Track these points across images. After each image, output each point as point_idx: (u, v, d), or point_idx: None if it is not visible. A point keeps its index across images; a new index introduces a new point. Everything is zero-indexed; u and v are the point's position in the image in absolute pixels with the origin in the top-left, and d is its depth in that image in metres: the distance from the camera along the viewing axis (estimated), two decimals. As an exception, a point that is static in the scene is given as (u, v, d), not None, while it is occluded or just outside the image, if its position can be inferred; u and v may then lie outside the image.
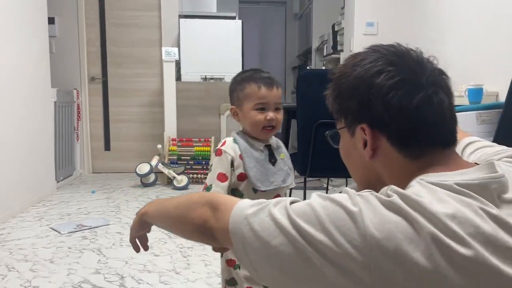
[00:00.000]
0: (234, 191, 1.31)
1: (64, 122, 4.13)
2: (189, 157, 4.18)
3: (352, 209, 0.56)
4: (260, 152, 1.30)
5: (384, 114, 0.65)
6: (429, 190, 0.58)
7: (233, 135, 1.34)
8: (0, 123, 2.88)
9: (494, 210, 0.55)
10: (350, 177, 0.80)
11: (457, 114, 2.13)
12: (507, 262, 0.53)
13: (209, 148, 4.18)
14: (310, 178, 3.17)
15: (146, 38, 4.70)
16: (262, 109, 1.27)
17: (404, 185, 0.62)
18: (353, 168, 0.75)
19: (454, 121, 0.69)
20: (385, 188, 0.60)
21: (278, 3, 7.58)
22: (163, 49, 4.20)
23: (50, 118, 3.74)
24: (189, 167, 4.16)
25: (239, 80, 1.33)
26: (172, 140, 4.21)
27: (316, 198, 0.60)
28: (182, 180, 3.96)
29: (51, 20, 4.01)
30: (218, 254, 2.32)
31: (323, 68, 5.37)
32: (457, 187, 0.58)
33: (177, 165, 4.09)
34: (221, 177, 1.27)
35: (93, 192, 3.80)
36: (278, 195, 1.34)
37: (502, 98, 2.35)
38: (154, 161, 4.02)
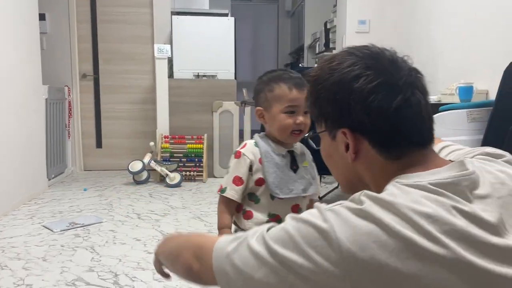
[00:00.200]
0: (251, 196, 1.28)
1: (55, 119, 4.11)
2: (181, 155, 4.18)
3: (323, 226, 0.57)
4: (282, 157, 1.25)
5: (364, 118, 0.66)
6: (403, 192, 0.59)
7: (256, 137, 1.29)
8: (-9, 121, 2.86)
9: (466, 207, 0.57)
10: None
11: (448, 112, 2.14)
12: (482, 256, 0.55)
13: (201, 145, 4.18)
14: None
15: (138, 35, 4.68)
16: (292, 112, 1.20)
17: (384, 185, 0.64)
18: (335, 169, 0.76)
19: (431, 120, 0.70)
20: (358, 193, 0.61)
21: (270, 0, 7.59)
22: (155, 46, 4.18)
23: (41, 115, 3.71)
24: (182, 164, 4.16)
25: (267, 80, 1.27)
26: (165, 137, 4.21)
27: (289, 221, 0.61)
28: (175, 177, 3.96)
29: (42, 17, 3.96)
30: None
31: (315, 65, 5.38)
32: (431, 186, 0.59)
33: (169, 163, 4.08)
34: (237, 181, 1.24)
35: (85, 189, 3.79)
36: (297, 205, 1.29)
37: (492, 96, 2.38)
38: (146, 159, 4.01)
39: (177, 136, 4.23)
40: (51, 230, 2.66)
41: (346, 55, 0.70)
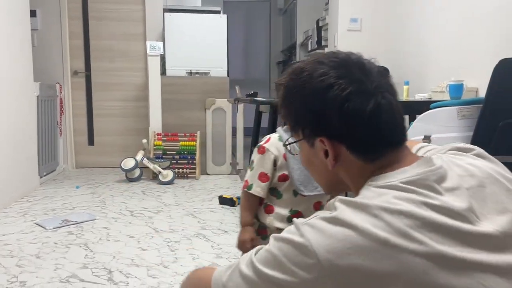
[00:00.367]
0: (273, 191, 1.27)
1: (47, 116, 4.08)
2: (174, 152, 4.18)
3: (300, 241, 0.60)
4: None
5: (341, 126, 0.68)
6: (376, 194, 0.63)
7: (279, 131, 1.27)
8: (-18, 118, 2.84)
9: (436, 201, 0.60)
10: None
11: (439, 109, 2.16)
12: (456, 244, 0.58)
13: (194, 142, 4.18)
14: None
15: (130, 32, 4.66)
16: None
17: (363, 184, 0.68)
18: (316, 174, 0.79)
19: (402, 119, 0.73)
20: (333, 200, 0.65)
21: (263, -2, 7.58)
22: (148, 43, 4.17)
23: (33, 113, 3.69)
24: (175, 161, 4.16)
25: None
26: (157, 134, 4.20)
27: (272, 242, 0.64)
28: (168, 174, 3.96)
29: (32, 13, 3.93)
30: (205, 248, 2.35)
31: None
32: (401, 185, 0.63)
33: (162, 160, 4.08)
34: (262, 177, 1.23)
35: (77, 187, 3.77)
36: (319, 202, 1.28)
37: (482, 94, 2.42)
38: (139, 156, 4.00)
39: (170, 134, 4.23)
40: (44, 228, 2.65)
41: (316, 64, 0.72)
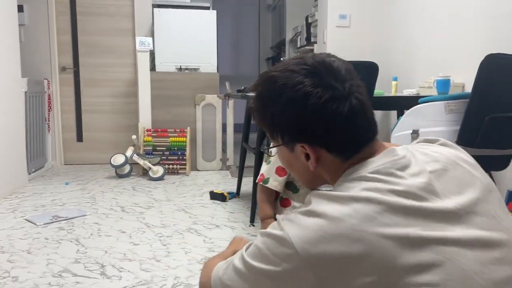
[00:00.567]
0: (289, 185, 1.27)
1: (35, 112, 4.05)
2: (164, 148, 4.18)
3: (279, 234, 0.67)
4: None
5: (321, 132, 0.73)
6: (346, 186, 0.69)
7: None
8: (-30, 113, 2.81)
9: (399, 186, 0.66)
10: None
11: (427, 104, 2.21)
12: (418, 224, 0.64)
13: (184, 138, 4.18)
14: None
15: (119, 27, 4.64)
16: None
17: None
18: (298, 174, 0.84)
19: (373, 115, 0.77)
20: (308, 195, 0.71)
21: (251, -6, 7.58)
22: (137, 39, 4.16)
23: (21, 109, 3.65)
24: (165, 157, 4.16)
25: None
26: (147, 130, 4.19)
27: (258, 237, 0.71)
28: (158, 170, 3.96)
29: (20, 8, 3.88)
30: (197, 242, 2.37)
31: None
32: (369, 175, 0.69)
33: (152, 156, 4.08)
34: (280, 171, 1.24)
35: (66, 183, 3.75)
36: None
37: (468, 89, 2.47)
38: (129, 152, 3.99)
39: (159, 130, 4.23)
40: (34, 224, 2.64)
41: (289, 72, 0.74)
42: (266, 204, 1.29)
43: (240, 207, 3.06)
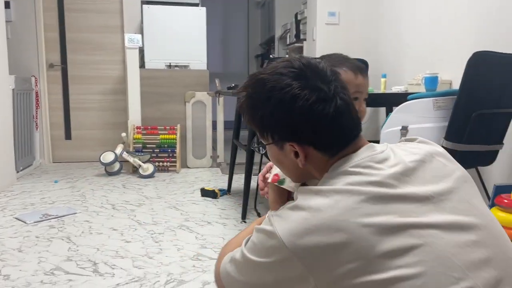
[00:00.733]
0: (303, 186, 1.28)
1: (22, 110, 4.00)
2: (154, 145, 4.17)
3: (269, 229, 0.72)
4: None
5: (309, 132, 0.77)
6: (330, 180, 0.74)
7: None
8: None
9: (377, 177, 0.72)
10: None
11: (415, 101, 2.24)
12: (395, 211, 0.69)
13: (174, 136, 4.18)
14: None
15: (107, 24, 4.60)
16: (356, 98, 1.11)
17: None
18: (287, 171, 0.88)
19: (356, 113, 0.82)
20: (295, 192, 0.77)
21: (240, -9, 7.57)
22: (126, 35, 4.13)
23: (8, 106, 3.61)
24: (155, 155, 4.15)
25: (329, 65, 1.24)
26: (137, 128, 4.18)
27: (254, 232, 0.77)
28: (148, 168, 3.95)
29: (6, 4, 3.83)
30: (189, 239, 2.38)
31: (287, 56, 5.44)
32: (350, 169, 0.74)
33: (142, 154, 4.06)
34: None
35: (56, 181, 3.72)
36: None
37: (456, 86, 2.51)
38: (118, 150, 3.98)
39: (149, 127, 4.21)
40: (24, 222, 2.62)
41: (276, 75, 0.78)
42: (278, 205, 1.29)
43: (231, 203, 3.08)
